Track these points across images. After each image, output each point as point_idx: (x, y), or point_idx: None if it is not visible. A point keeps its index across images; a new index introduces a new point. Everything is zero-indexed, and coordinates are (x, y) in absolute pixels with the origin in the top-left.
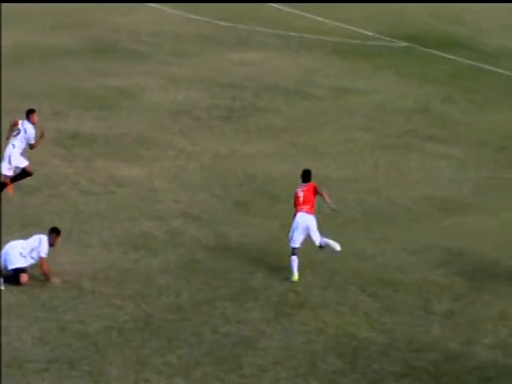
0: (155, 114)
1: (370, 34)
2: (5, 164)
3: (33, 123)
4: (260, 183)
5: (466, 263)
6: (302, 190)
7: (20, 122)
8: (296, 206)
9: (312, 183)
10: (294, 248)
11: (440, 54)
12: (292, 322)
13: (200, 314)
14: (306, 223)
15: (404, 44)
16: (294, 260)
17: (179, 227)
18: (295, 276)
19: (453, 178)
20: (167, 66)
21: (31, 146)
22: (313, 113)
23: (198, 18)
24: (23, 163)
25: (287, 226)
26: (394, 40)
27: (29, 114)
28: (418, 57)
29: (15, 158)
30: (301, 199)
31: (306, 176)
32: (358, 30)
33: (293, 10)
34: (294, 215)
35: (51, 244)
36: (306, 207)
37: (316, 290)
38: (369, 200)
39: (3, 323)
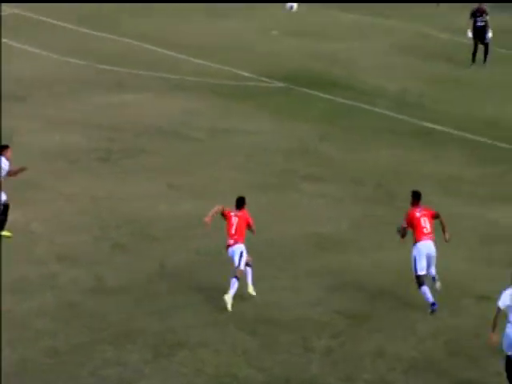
0: (32, 156)
1: (248, 75)
2: None
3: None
4: (138, 225)
5: (345, 300)
6: (424, 215)
7: None
8: (418, 233)
9: (434, 211)
10: (420, 276)
11: (317, 93)
12: (171, 363)
13: (78, 356)
14: (430, 251)
15: (281, 84)
16: (426, 289)
17: (56, 270)
18: (433, 306)
19: (330, 216)
20: (44, 108)
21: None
22: (192, 154)
23: (76, 61)
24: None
25: (166, 267)
26: (271, 81)
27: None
28: (295, 97)
29: None
30: (424, 226)
31: (417, 196)
32: (236, 71)
33: (171, 53)
34: (415, 243)
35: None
36: (431, 235)
37: (194, 330)
38: (248, 239)
39: None
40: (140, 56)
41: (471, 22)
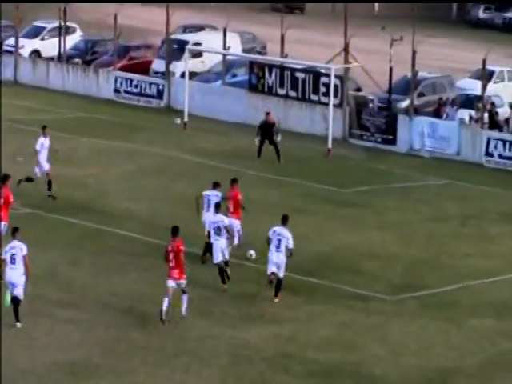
0: None
1: None
2: None
3: None
4: None
5: None
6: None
7: None
8: None
9: None
10: None
11: (64, 218)
12: None
13: None
14: None
15: (28, 210)
16: None
17: None
18: None
19: (82, 342)
20: None
21: None
22: None
23: None
24: None
25: None
26: (18, 208)
27: None
28: (42, 222)
29: None
30: None
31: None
32: None
33: None
34: None
35: None
36: None
37: None
38: None
39: None
40: None
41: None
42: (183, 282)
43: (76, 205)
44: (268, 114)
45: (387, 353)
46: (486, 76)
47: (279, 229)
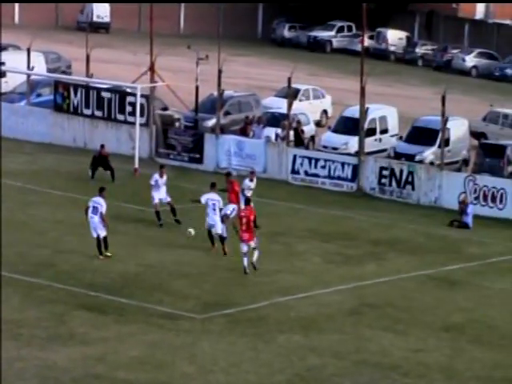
0: None
1: None
2: None
3: None
4: None
5: None
6: None
7: None
8: None
9: None
10: None
11: None
12: None
13: None
14: None
15: None
16: None
17: None
18: None
19: None
20: None
21: None
22: None
23: None
24: None
25: None
26: None
27: None
28: None
29: None
30: None
31: None
32: None
33: None
34: None
35: None
36: None
37: None
38: None
39: None
40: None
41: None
42: (252, 243)
43: None
44: (102, 146)
45: (196, 370)
46: (291, 94)
47: None
